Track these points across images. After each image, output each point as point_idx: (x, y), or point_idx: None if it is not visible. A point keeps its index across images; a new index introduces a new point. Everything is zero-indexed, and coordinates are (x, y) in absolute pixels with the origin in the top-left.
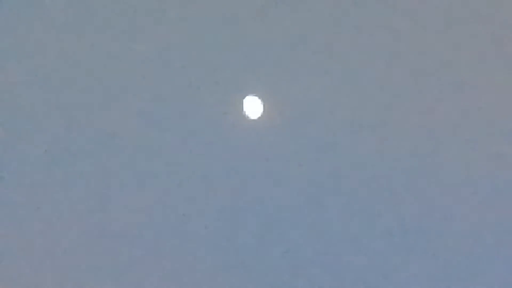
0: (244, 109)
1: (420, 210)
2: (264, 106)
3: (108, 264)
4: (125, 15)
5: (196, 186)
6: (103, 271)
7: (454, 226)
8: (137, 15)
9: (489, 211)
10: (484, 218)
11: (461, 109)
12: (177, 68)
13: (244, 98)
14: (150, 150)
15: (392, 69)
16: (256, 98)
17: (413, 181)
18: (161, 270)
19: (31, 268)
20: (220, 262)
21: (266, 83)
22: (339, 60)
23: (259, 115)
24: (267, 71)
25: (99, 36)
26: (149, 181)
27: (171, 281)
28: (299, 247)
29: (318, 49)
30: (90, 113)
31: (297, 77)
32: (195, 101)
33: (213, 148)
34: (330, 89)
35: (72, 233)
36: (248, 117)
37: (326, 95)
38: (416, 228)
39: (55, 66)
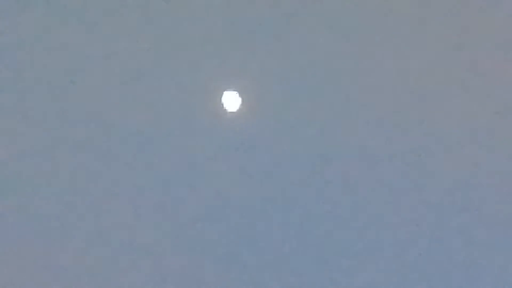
0: (224, 102)
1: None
2: (242, 100)
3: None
4: (109, 16)
5: (177, 176)
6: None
7: None
8: (121, 15)
9: None
10: None
11: None
12: (161, 64)
13: (223, 92)
14: (133, 143)
15: (374, 65)
16: (234, 92)
17: (403, 167)
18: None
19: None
20: (203, 249)
21: (244, 79)
22: (316, 55)
23: (237, 108)
24: (245, 68)
25: (89, 36)
26: (132, 173)
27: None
28: (278, 237)
29: (294, 45)
30: (83, 106)
31: (273, 73)
32: (179, 96)
33: (195, 139)
34: (305, 83)
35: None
36: (227, 110)
37: (301, 90)
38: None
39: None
